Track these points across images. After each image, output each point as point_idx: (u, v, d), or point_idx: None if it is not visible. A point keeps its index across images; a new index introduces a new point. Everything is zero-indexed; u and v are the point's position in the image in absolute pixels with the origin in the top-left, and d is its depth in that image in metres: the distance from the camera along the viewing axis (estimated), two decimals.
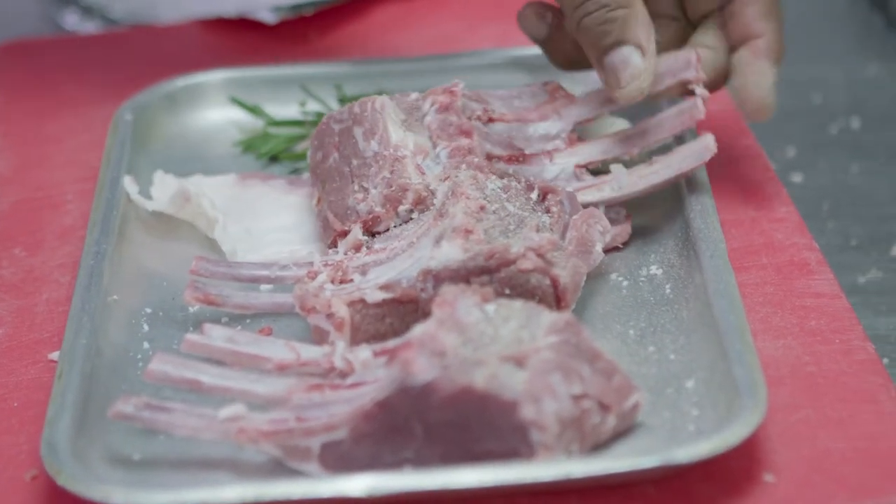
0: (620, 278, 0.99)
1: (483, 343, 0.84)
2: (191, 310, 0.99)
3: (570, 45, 1.03)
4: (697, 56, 1.01)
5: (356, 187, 1.00)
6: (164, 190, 1.08)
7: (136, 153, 1.12)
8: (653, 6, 1.03)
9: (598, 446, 0.85)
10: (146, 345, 0.96)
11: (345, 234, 0.99)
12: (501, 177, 0.99)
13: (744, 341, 0.88)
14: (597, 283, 0.98)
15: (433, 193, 0.98)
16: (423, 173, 0.99)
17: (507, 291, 0.91)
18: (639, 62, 0.98)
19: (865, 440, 0.86)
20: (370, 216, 0.99)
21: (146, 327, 0.98)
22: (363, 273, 0.94)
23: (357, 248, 0.97)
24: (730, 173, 1.08)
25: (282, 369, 0.88)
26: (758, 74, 1.01)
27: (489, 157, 1.01)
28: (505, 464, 0.81)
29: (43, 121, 1.24)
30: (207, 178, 1.10)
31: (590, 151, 1.03)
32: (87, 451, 0.86)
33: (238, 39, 1.33)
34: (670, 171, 1.00)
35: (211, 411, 0.86)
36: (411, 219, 0.98)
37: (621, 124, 1.09)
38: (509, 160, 1.02)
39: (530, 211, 0.96)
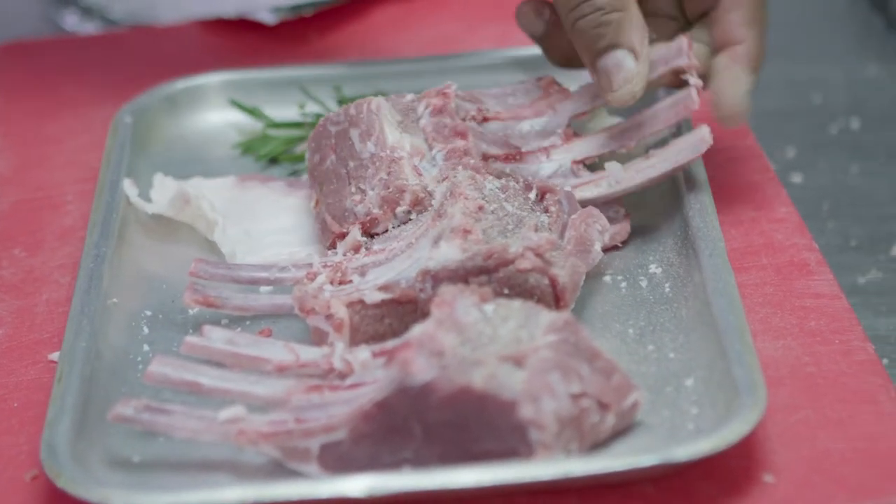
0: (619, 277, 0.99)
1: (482, 343, 0.84)
2: (190, 312, 0.99)
3: (567, 42, 1.03)
4: (689, 42, 1.00)
5: (353, 189, 1.00)
6: (163, 192, 1.08)
7: (135, 156, 1.12)
8: (651, 5, 1.03)
9: (597, 445, 0.85)
10: (146, 347, 0.96)
11: (343, 236, 0.99)
12: (499, 177, 0.99)
13: (743, 340, 0.88)
14: (596, 283, 0.98)
15: (430, 195, 0.98)
16: (420, 175, 0.99)
17: (506, 291, 0.91)
18: (632, 66, 0.98)
19: (865, 441, 0.86)
20: (367, 218, 0.99)
21: (146, 330, 0.98)
22: (362, 274, 0.94)
23: (356, 250, 0.97)
24: (730, 174, 1.08)
25: (281, 371, 0.89)
26: (733, 80, 1.00)
27: (485, 158, 1.01)
28: (504, 463, 0.81)
29: (43, 121, 1.24)
30: (207, 181, 1.10)
31: (586, 146, 1.03)
32: (87, 454, 0.86)
33: (238, 40, 1.34)
34: (667, 165, 1.00)
35: (210, 413, 0.86)
36: (409, 220, 0.98)
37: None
38: (506, 159, 1.02)
39: (529, 211, 0.96)
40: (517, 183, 0.98)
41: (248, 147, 1.17)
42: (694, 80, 1.00)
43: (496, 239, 0.92)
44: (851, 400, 0.89)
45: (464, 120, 1.02)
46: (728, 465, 0.85)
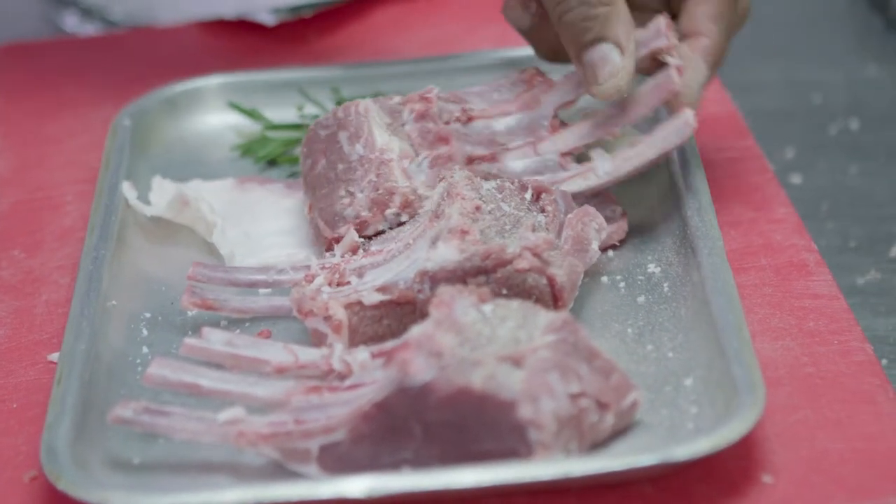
0: (618, 277, 0.99)
1: (480, 343, 0.84)
2: (189, 314, 0.99)
3: (554, 36, 1.03)
4: (667, 22, 1.00)
5: (343, 192, 1.00)
6: (162, 195, 1.08)
7: (134, 158, 1.12)
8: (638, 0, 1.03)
9: (596, 445, 0.85)
10: (145, 349, 0.96)
11: (337, 240, 0.99)
12: (485, 179, 0.99)
13: (742, 339, 0.88)
14: (595, 282, 0.98)
15: (420, 198, 0.98)
16: (409, 178, 0.99)
17: (504, 291, 0.91)
18: (617, 60, 0.98)
19: (864, 441, 0.86)
20: (357, 220, 0.99)
21: (145, 332, 0.98)
22: (360, 275, 0.94)
23: (353, 251, 0.97)
24: (729, 174, 1.08)
25: (280, 372, 0.89)
26: (691, 70, 1.00)
27: (470, 160, 1.01)
28: (503, 463, 0.81)
29: (43, 122, 1.24)
30: (206, 183, 1.10)
31: (572, 137, 1.02)
32: (87, 456, 0.86)
33: (237, 41, 1.34)
34: (653, 151, 0.99)
35: (210, 415, 0.86)
36: (400, 222, 0.98)
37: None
38: (492, 158, 1.02)
39: (525, 211, 0.96)
40: (512, 184, 0.98)
41: (247, 149, 1.17)
42: (674, 60, 0.99)
43: (494, 239, 0.92)
44: (850, 400, 0.89)
45: (447, 123, 1.02)
46: (727, 465, 0.85)
